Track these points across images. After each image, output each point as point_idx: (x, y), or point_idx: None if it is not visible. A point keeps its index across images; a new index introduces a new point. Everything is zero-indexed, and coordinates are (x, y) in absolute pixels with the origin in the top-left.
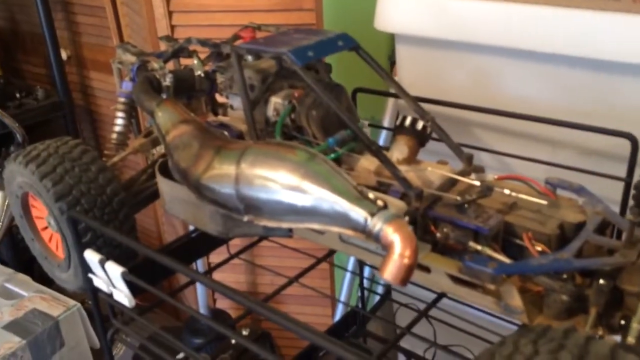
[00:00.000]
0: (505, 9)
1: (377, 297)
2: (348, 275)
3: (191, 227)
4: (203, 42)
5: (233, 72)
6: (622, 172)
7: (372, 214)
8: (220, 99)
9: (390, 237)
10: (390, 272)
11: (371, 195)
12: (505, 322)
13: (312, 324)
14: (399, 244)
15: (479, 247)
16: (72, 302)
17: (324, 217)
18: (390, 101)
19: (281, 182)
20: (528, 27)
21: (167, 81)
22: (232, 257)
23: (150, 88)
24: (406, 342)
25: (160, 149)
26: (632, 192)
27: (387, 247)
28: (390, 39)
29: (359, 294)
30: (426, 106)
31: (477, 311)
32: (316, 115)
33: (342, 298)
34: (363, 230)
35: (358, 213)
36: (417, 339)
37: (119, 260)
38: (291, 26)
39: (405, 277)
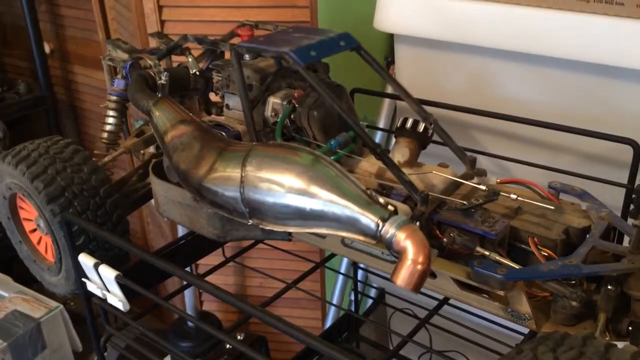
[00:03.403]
0: (506, 11)
1: (369, 301)
2: (340, 279)
3: (180, 231)
4: (200, 40)
5: (230, 71)
6: (620, 176)
7: (384, 220)
8: (213, 97)
9: (402, 243)
10: (403, 278)
11: (381, 199)
12: (502, 327)
13: (302, 327)
14: (411, 250)
15: (486, 253)
16: (54, 303)
17: (332, 222)
18: (386, 102)
19: (288, 186)
20: (528, 29)
21: (163, 79)
22: (227, 260)
23: (145, 86)
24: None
25: (151, 149)
26: (633, 196)
27: (399, 253)
28: (387, 38)
29: (351, 297)
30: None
31: (472, 316)
32: (317, 116)
33: (335, 301)
34: (374, 236)
35: (369, 218)
36: (412, 344)
37: (111, 264)
38: (285, 23)
39: (419, 284)
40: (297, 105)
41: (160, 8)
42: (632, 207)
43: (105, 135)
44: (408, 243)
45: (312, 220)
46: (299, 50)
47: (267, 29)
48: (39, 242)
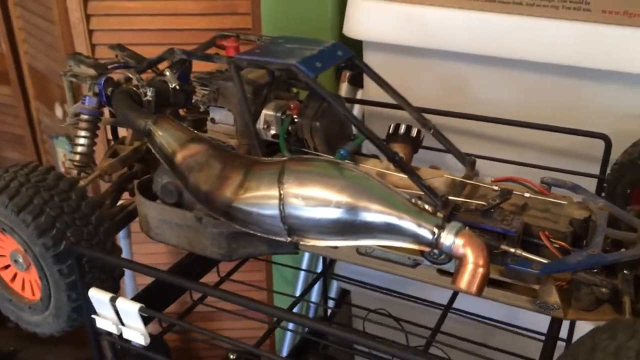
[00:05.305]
0: (474, 16)
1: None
2: (301, 283)
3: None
4: (189, 53)
5: (220, 84)
6: (586, 169)
7: (439, 227)
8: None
9: (462, 249)
10: (466, 282)
11: (427, 206)
12: (478, 321)
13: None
14: (471, 254)
15: (511, 250)
16: None
17: (382, 233)
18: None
19: (336, 201)
20: (495, 34)
21: (149, 95)
22: (222, 279)
23: (134, 104)
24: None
25: (123, 170)
26: (604, 185)
27: (459, 259)
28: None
29: (311, 299)
30: (393, 112)
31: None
32: (320, 127)
33: (298, 307)
34: (430, 243)
35: (425, 227)
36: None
37: None
38: (225, 31)
39: (482, 286)
40: (295, 117)
41: (88, 17)
42: (603, 195)
43: (77, 157)
44: (468, 249)
45: (360, 234)
46: (305, 62)
47: (249, 40)
48: (12, 280)
